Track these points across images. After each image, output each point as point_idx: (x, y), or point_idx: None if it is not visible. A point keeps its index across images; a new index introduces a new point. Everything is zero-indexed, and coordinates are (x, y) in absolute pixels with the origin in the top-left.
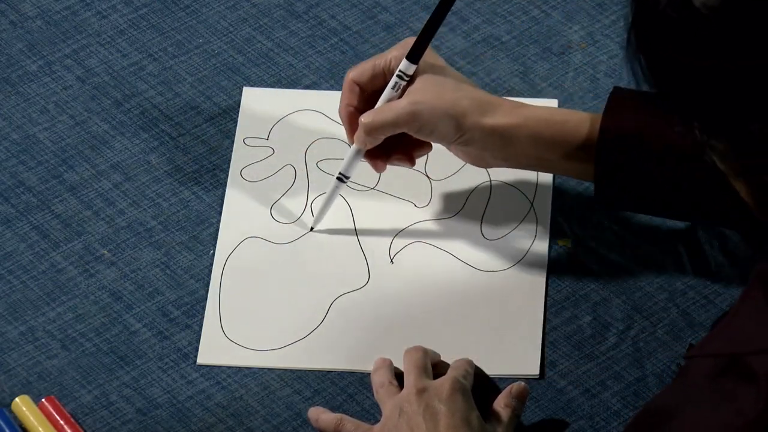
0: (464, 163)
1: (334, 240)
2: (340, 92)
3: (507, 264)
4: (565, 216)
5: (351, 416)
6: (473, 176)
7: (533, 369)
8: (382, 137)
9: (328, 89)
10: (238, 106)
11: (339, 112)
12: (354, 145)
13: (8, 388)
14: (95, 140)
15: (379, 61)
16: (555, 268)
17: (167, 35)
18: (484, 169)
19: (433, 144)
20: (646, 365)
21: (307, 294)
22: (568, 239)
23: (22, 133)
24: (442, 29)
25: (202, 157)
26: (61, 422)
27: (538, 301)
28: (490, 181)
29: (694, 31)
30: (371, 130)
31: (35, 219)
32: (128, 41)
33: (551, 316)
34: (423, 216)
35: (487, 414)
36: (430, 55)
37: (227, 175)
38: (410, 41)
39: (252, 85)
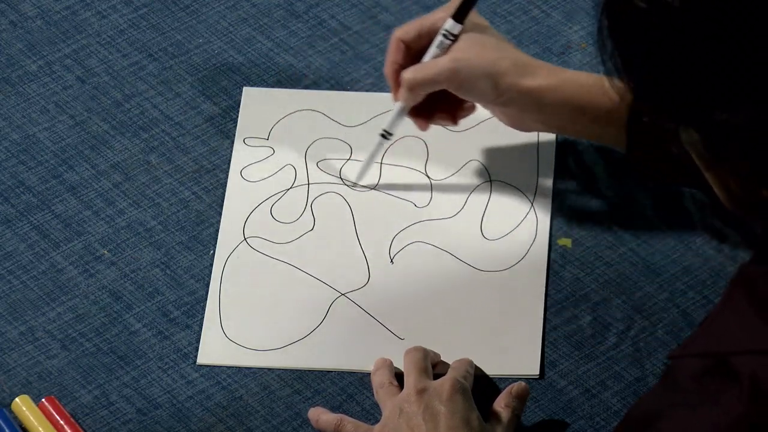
0: (464, 162)
1: (334, 240)
2: (340, 92)
3: (507, 264)
4: (565, 216)
5: (351, 416)
6: (473, 176)
7: (533, 369)
8: (424, 93)
9: (328, 89)
10: (238, 106)
11: (384, 69)
12: (398, 102)
13: (8, 388)
14: (95, 140)
15: (426, 21)
16: (555, 268)
17: (167, 35)
18: (484, 169)
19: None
20: (646, 365)
21: (307, 294)
22: (568, 239)
23: (22, 133)
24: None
25: (202, 157)
26: (61, 422)
27: (538, 301)
28: (490, 181)
29: (662, 19)
30: (413, 86)
31: (35, 219)
32: (128, 41)
33: (551, 316)
34: (423, 216)
35: (487, 414)
36: (475, 16)
37: (227, 175)
38: (456, 2)
39: (252, 85)
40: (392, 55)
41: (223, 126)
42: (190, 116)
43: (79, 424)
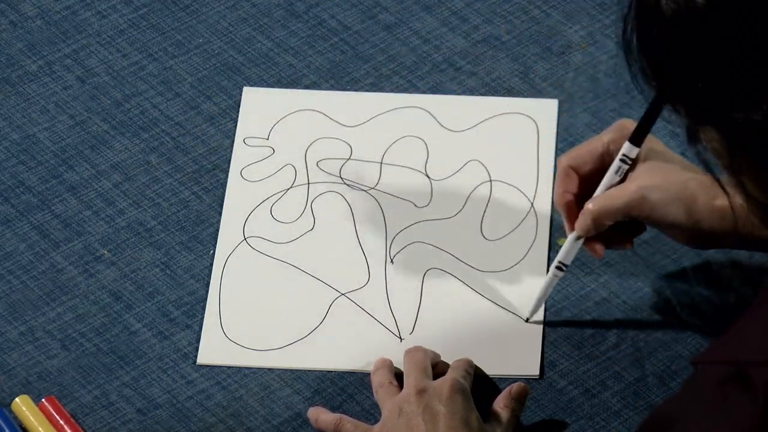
0: (464, 162)
1: (334, 240)
2: (340, 92)
3: (507, 264)
4: None
5: (351, 416)
6: (473, 176)
7: (533, 369)
8: (610, 224)
9: (328, 89)
10: (238, 106)
11: (555, 200)
12: (575, 232)
13: (8, 388)
14: (95, 140)
15: (596, 145)
16: None
17: (167, 35)
18: (484, 169)
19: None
20: (646, 365)
21: (307, 294)
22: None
23: (22, 133)
24: (442, 29)
25: (202, 157)
26: (61, 422)
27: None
28: (490, 181)
29: (688, 19)
30: (600, 217)
31: (35, 219)
32: (128, 41)
33: (551, 316)
34: (423, 216)
35: (487, 414)
36: (648, 139)
37: (227, 175)
38: (624, 123)
39: (252, 85)
40: (563, 184)
41: (223, 126)
42: (190, 116)
43: (79, 424)
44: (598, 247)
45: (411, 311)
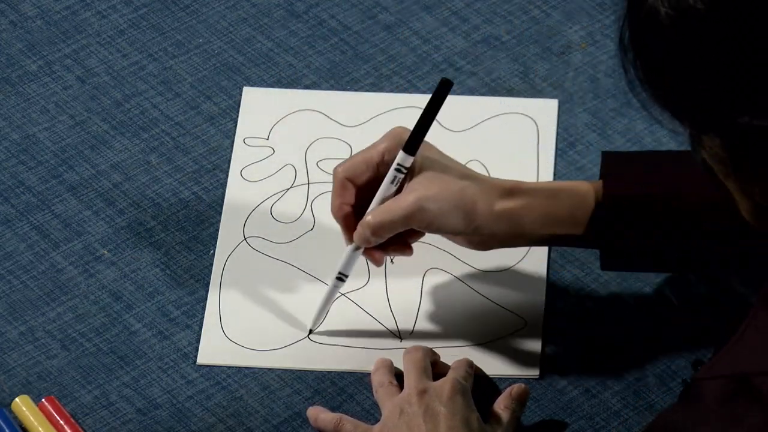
0: (464, 162)
1: (334, 240)
2: (340, 92)
3: (507, 264)
4: None
5: (351, 416)
6: None
7: (533, 369)
8: (390, 235)
9: (328, 89)
10: (238, 106)
11: (332, 212)
12: (352, 244)
13: (8, 388)
14: (95, 140)
15: (371, 154)
16: (555, 268)
17: (167, 35)
18: (484, 169)
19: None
20: (646, 365)
21: (307, 294)
22: None
23: (22, 133)
24: (442, 29)
25: (202, 157)
26: (61, 422)
27: (538, 301)
28: None
29: (688, 24)
30: (380, 230)
31: (35, 219)
32: (128, 41)
33: (551, 316)
34: None
35: (487, 415)
36: (425, 147)
37: (227, 175)
38: (399, 131)
39: (252, 85)
40: (339, 196)
41: (223, 126)
42: (190, 116)
43: (79, 424)
44: (378, 256)
45: (411, 311)
